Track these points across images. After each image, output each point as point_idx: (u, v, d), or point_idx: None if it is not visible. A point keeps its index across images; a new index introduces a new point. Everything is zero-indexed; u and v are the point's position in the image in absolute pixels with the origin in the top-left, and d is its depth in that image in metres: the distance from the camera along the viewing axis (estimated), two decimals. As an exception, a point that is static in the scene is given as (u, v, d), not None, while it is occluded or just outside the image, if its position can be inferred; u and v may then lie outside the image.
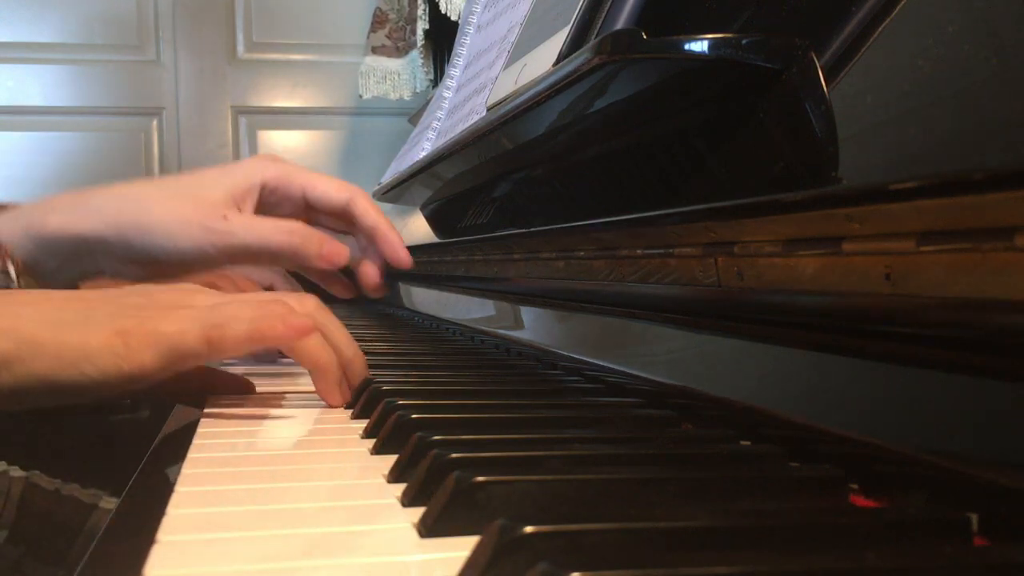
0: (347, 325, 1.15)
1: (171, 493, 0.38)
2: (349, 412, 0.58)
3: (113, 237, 0.69)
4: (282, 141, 2.46)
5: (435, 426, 0.45)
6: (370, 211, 0.74)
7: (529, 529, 0.26)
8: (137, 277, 0.72)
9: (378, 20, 2.16)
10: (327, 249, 0.68)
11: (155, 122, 2.38)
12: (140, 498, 0.40)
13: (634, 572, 0.24)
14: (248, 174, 0.73)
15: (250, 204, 0.73)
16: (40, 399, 0.50)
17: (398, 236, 0.74)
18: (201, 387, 0.63)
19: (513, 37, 0.85)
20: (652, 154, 0.56)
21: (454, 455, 0.36)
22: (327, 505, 0.37)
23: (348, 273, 0.78)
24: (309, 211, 0.76)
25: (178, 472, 0.42)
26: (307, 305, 0.60)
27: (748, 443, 0.42)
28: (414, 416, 0.47)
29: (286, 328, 0.55)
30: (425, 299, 1.27)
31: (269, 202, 0.74)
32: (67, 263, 0.70)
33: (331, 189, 0.74)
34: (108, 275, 0.73)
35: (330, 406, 0.59)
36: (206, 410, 0.58)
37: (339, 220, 0.77)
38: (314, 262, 0.70)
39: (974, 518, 0.29)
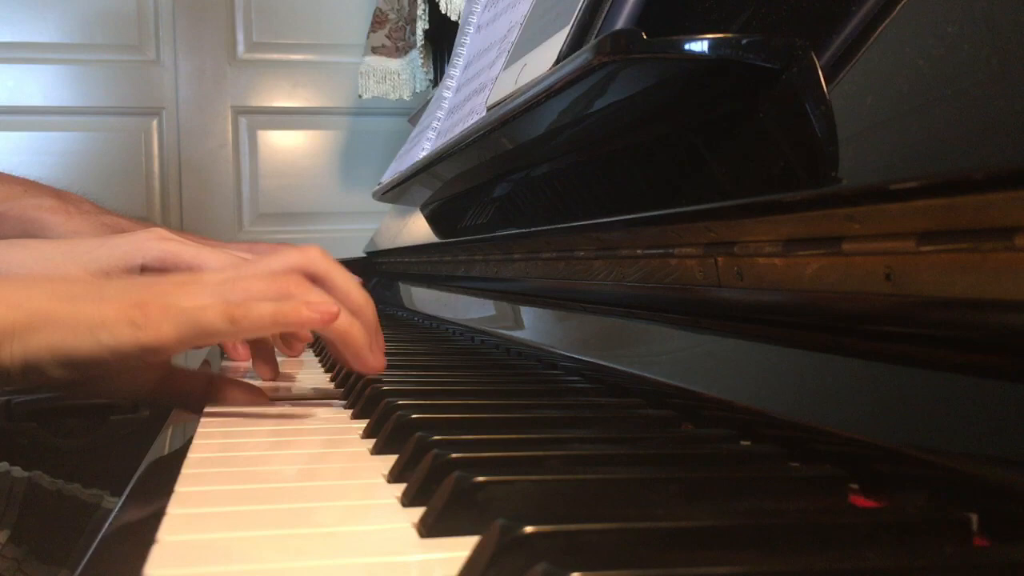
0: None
1: (171, 493, 0.38)
2: (349, 412, 0.58)
3: None
4: (282, 141, 2.46)
5: (435, 426, 0.45)
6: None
7: (529, 529, 0.26)
8: None
9: (378, 20, 2.16)
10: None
11: (155, 122, 2.38)
12: (140, 498, 0.40)
13: (634, 572, 0.24)
14: (126, 254, 0.71)
15: None
16: (53, 371, 0.50)
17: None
18: (204, 395, 0.61)
19: (513, 37, 0.85)
20: (652, 154, 0.56)
21: (454, 455, 0.36)
22: (327, 505, 0.37)
23: None
24: None
25: (178, 472, 0.42)
26: (313, 258, 0.59)
27: (748, 443, 0.42)
28: (414, 416, 0.47)
29: (311, 313, 0.53)
30: (425, 299, 1.27)
31: None
32: None
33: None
34: None
35: (368, 371, 0.58)
36: (206, 410, 0.58)
37: None
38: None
39: (974, 518, 0.29)
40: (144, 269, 0.71)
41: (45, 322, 0.49)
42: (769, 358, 0.44)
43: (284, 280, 0.55)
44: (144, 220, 2.33)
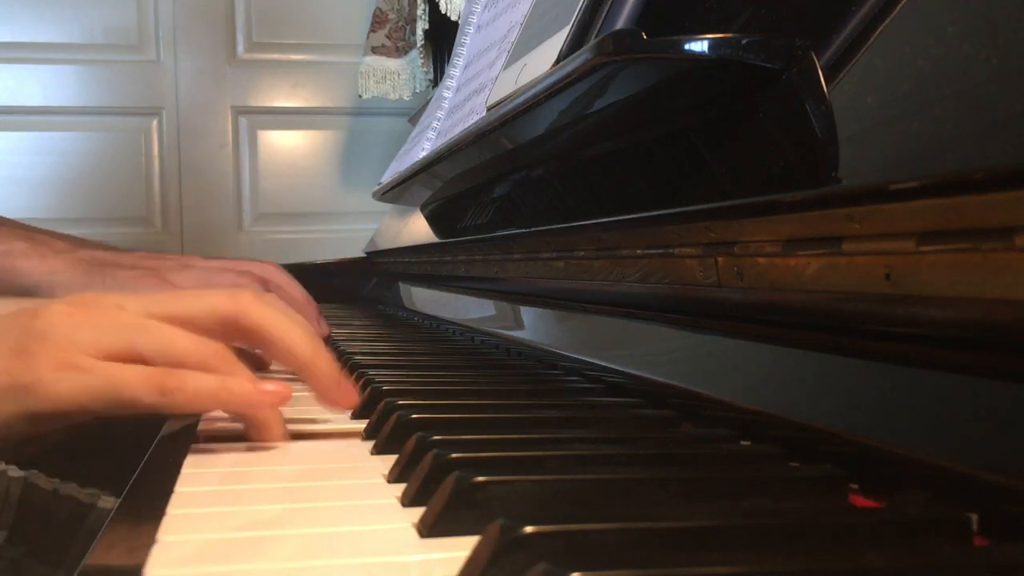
0: (347, 325, 1.15)
1: (171, 493, 0.38)
2: (349, 412, 0.58)
3: None
4: (282, 141, 2.46)
5: (435, 426, 0.45)
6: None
7: (529, 529, 0.26)
8: None
9: (378, 20, 2.16)
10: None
11: (155, 122, 2.38)
12: (140, 498, 0.40)
13: (634, 572, 0.24)
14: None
15: None
16: None
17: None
18: None
19: (513, 37, 0.85)
20: (652, 154, 0.56)
21: (454, 455, 0.36)
22: (327, 505, 0.37)
23: None
24: None
25: (178, 472, 0.42)
26: (245, 306, 0.50)
27: (748, 443, 0.42)
28: (414, 416, 0.47)
29: (262, 396, 0.47)
30: (425, 299, 1.27)
31: None
32: None
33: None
34: None
35: (339, 408, 0.53)
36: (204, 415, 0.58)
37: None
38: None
39: (974, 518, 0.29)
40: None
41: None
42: (769, 358, 0.44)
43: (212, 348, 0.47)
44: (142, 220, 2.34)
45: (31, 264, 1.00)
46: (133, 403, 0.44)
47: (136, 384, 0.44)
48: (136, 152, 2.37)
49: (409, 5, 2.11)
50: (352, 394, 0.53)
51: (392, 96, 2.15)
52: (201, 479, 0.41)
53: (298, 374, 0.51)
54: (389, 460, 0.43)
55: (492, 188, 0.93)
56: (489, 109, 0.79)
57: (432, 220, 1.23)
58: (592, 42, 0.49)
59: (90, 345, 0.44)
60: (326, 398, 0.52)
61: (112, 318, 0.46)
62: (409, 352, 0.86)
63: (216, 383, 0.46)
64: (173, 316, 0.48)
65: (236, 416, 0.49)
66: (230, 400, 0.46)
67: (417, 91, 2.13)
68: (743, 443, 0.43)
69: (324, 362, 0.51)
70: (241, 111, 2.42)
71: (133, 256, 1.12)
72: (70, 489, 0.82)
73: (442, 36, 1.96)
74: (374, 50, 2.15)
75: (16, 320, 0.45)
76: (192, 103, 2.39)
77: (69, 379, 0.43)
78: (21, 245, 1.01)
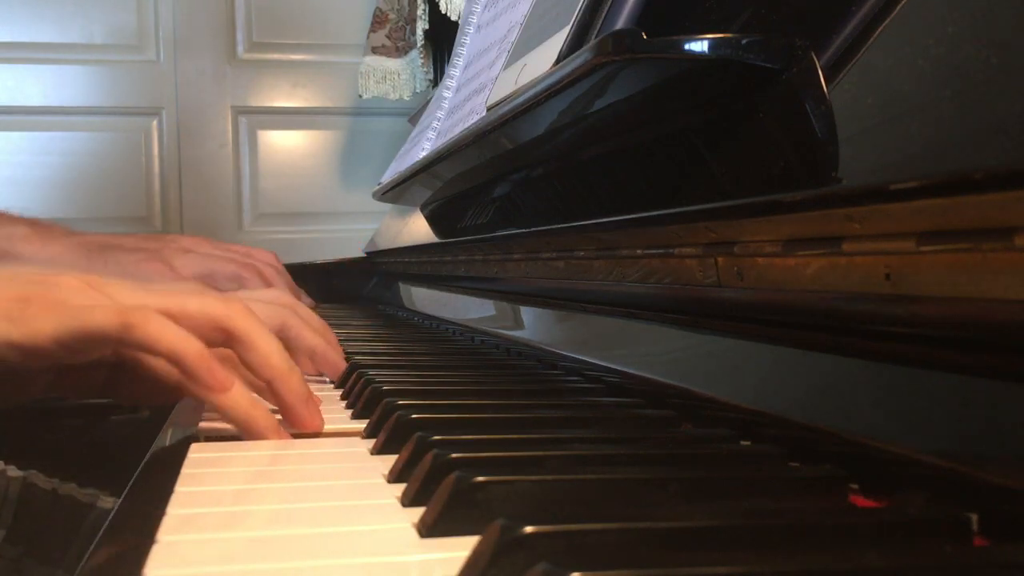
0: (347, 325, 1.15)
1: (171, 493, 0.38)
2: (349, 412, 0.58)
3: None
4: (282, 141, 2.46)
5: (435, 426, 0.45)
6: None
7: (529, 529, 0.26)
8: None
9: (378, 20, 2.16)
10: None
11: (155, 122, 2.38)
12: (140, 498, 0.40)
13: (634, 572, 0.24)
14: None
15: None
16: None
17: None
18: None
19: (513, 37, 0.85)
20: (652, 154, 0.56)
21: (454, 455, 0.36)
22: (327, 505, 0.37)
23: None
24: None
25: (178, 472, 0.42)
26: (235, 313, 0.52)
27: (748, 443, 0.42)
28: (414, 416, 0.47)
29: (211, 374, 0.47)
30: (425, 299, 1.27)
31: None
32: None
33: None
34: None
35: (305, 429, 0.52)
36: (205, 412, 0.58)
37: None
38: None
39: (974, 518, 0.29)
40: None
41: None
42: (769, 358, 0.44)
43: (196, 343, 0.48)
44: (142, 220, 2.33)
45: (33, 248, 1.00)
46: (98, 331, 0.46)
47: (103, 313, 0.46)
48: (136, 152, 2.37)
49: (409, 5, 2.11)
50: (318, 418, 0.53)
51: (392, 96, 2.15)
52: (201, 479, 0.41)
53: (270, 386, 0.52)
54: (389, 460, 0.43)
55: (492, 188, 0.93)
56: (489, 109, 0.79)
57: (432, 220, 1.24)
58: (592, 42, 0.49)
59: (81, 302, 0.47)
60: (292, 414, 0.52)
61: (112, 290, 0.49)
62: (409, 352, 0.86)
63: (180, 335, 0.47)
64: (168, 309, 0.49)
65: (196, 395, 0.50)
66: (186, 355, 0.47)
67: (417, 91, 2.13)
68: (743, 443, 0.43)
69: (297, 379, 0.52)
70: (241, 111, 2.42)
71: (134, 238, 1.12)
72: (69, 489, 0.82)
73: (442, 36, 1.96)
74: (374, 50, 2.15)
75: (27, 275, 0.48)
76: (192, 103, 2.39)
77: (48, 315, 0.46)
78: (23, 230, 1.02)
